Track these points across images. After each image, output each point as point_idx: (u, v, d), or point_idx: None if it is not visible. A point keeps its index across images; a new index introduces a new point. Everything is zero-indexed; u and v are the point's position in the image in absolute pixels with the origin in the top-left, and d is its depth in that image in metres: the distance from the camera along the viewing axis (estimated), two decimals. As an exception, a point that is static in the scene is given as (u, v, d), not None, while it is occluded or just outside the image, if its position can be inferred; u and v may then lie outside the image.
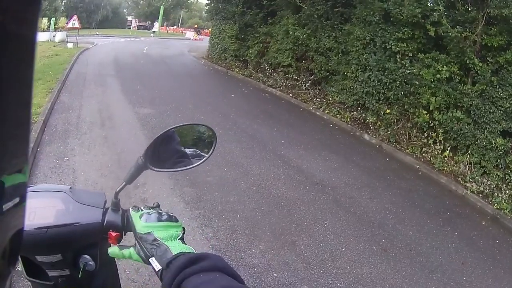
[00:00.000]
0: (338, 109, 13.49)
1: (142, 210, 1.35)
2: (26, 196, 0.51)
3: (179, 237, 1.26)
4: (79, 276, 1.40)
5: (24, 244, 1.09)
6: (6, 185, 0.45)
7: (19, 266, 3.87)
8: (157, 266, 1.17)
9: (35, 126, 8.94)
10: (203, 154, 1.66)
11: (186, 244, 1.24)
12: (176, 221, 1.31)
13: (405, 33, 11.12)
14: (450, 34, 9.99)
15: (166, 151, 1.59)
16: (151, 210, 1.34)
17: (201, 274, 1.03)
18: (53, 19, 45.10)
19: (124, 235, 1.44)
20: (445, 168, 9.55)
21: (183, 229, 1.33)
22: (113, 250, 1.32)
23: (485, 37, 9.87)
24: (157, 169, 1.52)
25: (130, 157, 7.55)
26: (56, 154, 7.73)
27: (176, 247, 1.19)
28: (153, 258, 1.19)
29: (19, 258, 1.43)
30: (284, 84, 16.91)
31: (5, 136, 0.42)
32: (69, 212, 1.38)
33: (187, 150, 1.65)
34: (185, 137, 1.72)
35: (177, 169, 1.65)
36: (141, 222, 1.28)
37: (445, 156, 9.88)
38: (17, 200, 0.49)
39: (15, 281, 4.20)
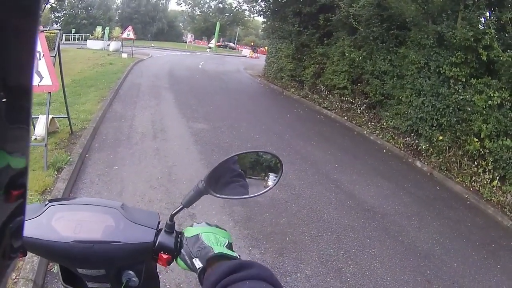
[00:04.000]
0: (392, 134, 13.50)
1: None
2: (27, 183, 0.50)
3: (226, 244, 1.28)
4: None
5: (65, 256, 1.31)
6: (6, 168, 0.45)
7: (56, 269, 4.14)
8: (198, 264, 1.22)
9: (84, 132, 9.12)
10: (265, 183, 1.62)
11: (233, 251, 1.26)
12: (225, 230, 1.36)
13: (459, 57, 11.06)
14: (501, 58, 9.91)
15: (228, 177, 1.54)
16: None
17: (247, 281, 1.03)
18: (107, 28, 45.81)
19: (175, 258, 1.41)
20: (493, 198, 9.39)
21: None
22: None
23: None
24: (218, 195, 1.47)
25: (182, 172, 7.82)
26: (105, 162, 7.83)
27: (220, 250, 1.22)
28: (197, 259, 1.23)
29: (57, 265, 1.46)
30: (339, 106, 16.97)
31: (5, 120, 0.42)
32: (119, 230, 1.35)
33: (249, 178, 1.60)
34: (248, 163, 1.65)
35: (238, 197, 1.61)
36: (190, 228, 1.35)
37: (493, 186, 9.71)
38: (17, 185, 0.48)
39: (48, 282, 4.29)
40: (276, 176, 1.61)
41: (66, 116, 8.77)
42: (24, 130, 0.47)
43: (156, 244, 1.37)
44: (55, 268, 4.22)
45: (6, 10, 0.38)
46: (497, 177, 9.79)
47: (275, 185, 1.59)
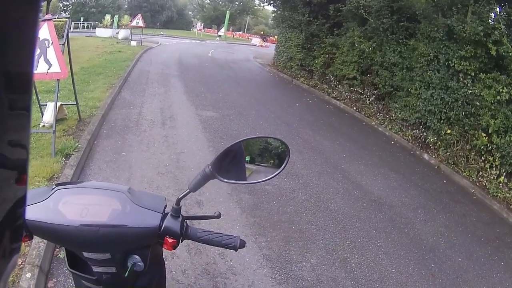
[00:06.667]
0: (400, 126, 13.47)
1: None
2: (27, 172, 0.50)
3: None
4: (125, 275, 1.41)
5: (71, 239, 1.36)
6: (7, 158, 0.45)
7: (62, 255, 4.18)
8: None
9: (93, 119, 9.14)
10: (272, 167, 1.64)
11: None
12: None
13: (468, 51, 10.96)
14: (510, 54, 9.90)
15: (235, 162, 1.56)
16: None
17: None
18: (116, 16, 45.78)
19: (181, 242, 1.47)
20: (499, 195, 9.34)
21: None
22: None
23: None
24: (224, 180, 1.50)
25: (190, 159, 7.87)
26: (114, 149, 7.86)
27: None
28: None
29: (64, 249, 1.51)
30: (348, 97, 16.92)
31: (5, 110, 0.42)
32: (125, 214, 1.37)
33: (256, 163, 1.64)
34: (254, 149, 1.69)
35: (245, 182, 1.65)
36: None
37: (500, 182, 9.64)
38: (17, 175, 0.48)
39: (54, 267, 4.28)
40: (283, 163, 1.62)
41: (75, 103, 8.82)
42: (25, 119, 0.47)
43: (162, 228, 1.41)
44: (61, 254, 4.27)
45: (7, 0, 0.39)
46: (504, 173, 9.72)
47: (281, 170, 1.61)
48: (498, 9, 11.42)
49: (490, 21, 11.05)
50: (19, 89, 0.45)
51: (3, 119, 0.43)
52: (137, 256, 1.43)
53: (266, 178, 1.61)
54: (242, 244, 1.52)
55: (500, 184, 9.64)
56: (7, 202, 0.47)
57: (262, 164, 1.67)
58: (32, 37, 0.44)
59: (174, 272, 4.48)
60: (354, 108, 16.07)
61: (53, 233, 1.35)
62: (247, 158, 1.61)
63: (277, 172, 1.61)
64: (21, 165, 0.49)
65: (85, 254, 1.40)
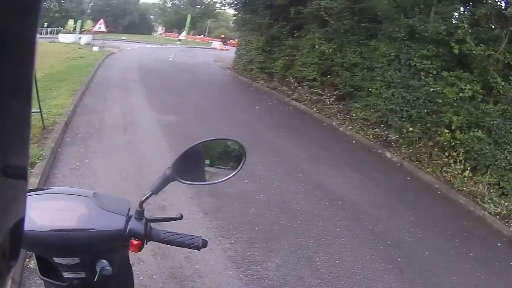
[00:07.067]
0: (361, 125, 13.45)
1: None
2: (27, 182, 0.50)
3: None
4: (94, 279, 1.42)
5: (42, 245, 1.36)
6: (9, 166, 0.45)
7: (32, 264, 4.04)
8: None
9: (56, 126, 9.06)
10: (230, 169, 1.69)
11: None
12: None
13: (430, 50, 11.10)
14: (474, 52, 9.98)
15: (194, 164, 1.62)
16: None
17: None
18: (79, 21, 45.43)
19: (146, 244, 1.48)
20: (464, 188, 9.39)
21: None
22: None
23: (508, 56, 9.86)
24: (185, 181, 1.54)
25: (152, 163, 7.87)
26: (77, 156, 7.81)
27: None
28: None
29: (34, 257, 1.49)
30: (308, 98, 16.82)
31: (6, 124, 0.43)
32: (92, 218, 1.40)
33: (215, 164, 1.70)
34: (213, 150, 1.75)
35: (205, 183, 1.75)
36: None
37: (464, 176, 9.72)
38: (17, 185, 0.48)
39: (25, 277, 4.23)
40: (240, 162, 1.68)
41: (38, 110, 8.71)
42: (25, 127, 0.47)
43: (127, 231, 1.44)
44: (32, 264, 4.30)
45: (7, 10, 0.39)
46: (468, 168, 9.84)
47: (238, 171, 1.66)
48: (462, 9, 11.59)
49: (453, 20, 11.20)
50: (19, 95, 0.45)
51: (4, 128, 0.43)
52: (104, 261, 1.43)
53: (224, 179, 1.65)
54: (204, 244, 1.53)
55: (465, 179, 9.74)
56: (11, 212, 0.48)
57: (222, 167, 1.72)
58: (31, 45, 0.45)
59: (141, 278, 4.45)
60: (315, 109, 16.02)
61: (24, 240, 1.19)
62: (207, 161, 1.66)
63: (234, 172, 1.66)
64: (22, 173, 0.50)
65: (55, 259, 1.40)
